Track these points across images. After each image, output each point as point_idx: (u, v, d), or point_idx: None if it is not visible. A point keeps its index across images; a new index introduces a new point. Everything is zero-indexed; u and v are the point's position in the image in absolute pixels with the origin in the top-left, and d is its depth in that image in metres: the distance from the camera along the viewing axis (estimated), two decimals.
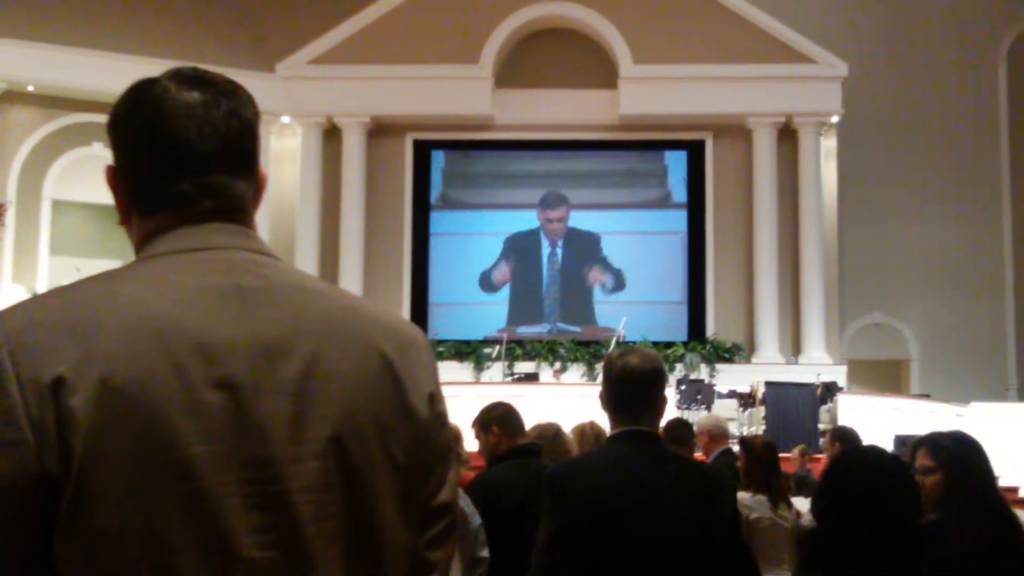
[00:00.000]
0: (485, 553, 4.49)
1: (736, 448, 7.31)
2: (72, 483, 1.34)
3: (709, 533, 3.34)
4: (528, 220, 20.70)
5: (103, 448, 1.35)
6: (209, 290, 1.47)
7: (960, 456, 3.81)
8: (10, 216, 17.84)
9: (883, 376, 20.59)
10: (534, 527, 4.22)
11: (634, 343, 18.29)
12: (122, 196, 1.62)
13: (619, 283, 20.49)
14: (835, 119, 19.98)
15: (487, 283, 20.64)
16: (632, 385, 3.42)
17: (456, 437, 5.78)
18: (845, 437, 7.90)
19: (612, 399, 3.45)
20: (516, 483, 4.76)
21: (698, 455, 7.51)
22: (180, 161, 1.56)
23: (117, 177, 1.62)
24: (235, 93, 1.62)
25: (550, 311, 20.46)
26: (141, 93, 1.59)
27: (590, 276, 20.53)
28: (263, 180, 1.66)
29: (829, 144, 20.27)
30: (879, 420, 14.25)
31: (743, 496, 5.98)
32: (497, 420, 5.12)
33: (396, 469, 1.52)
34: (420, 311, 19.97)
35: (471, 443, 5.71)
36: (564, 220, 20.65)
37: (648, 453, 3.40)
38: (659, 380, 3.49)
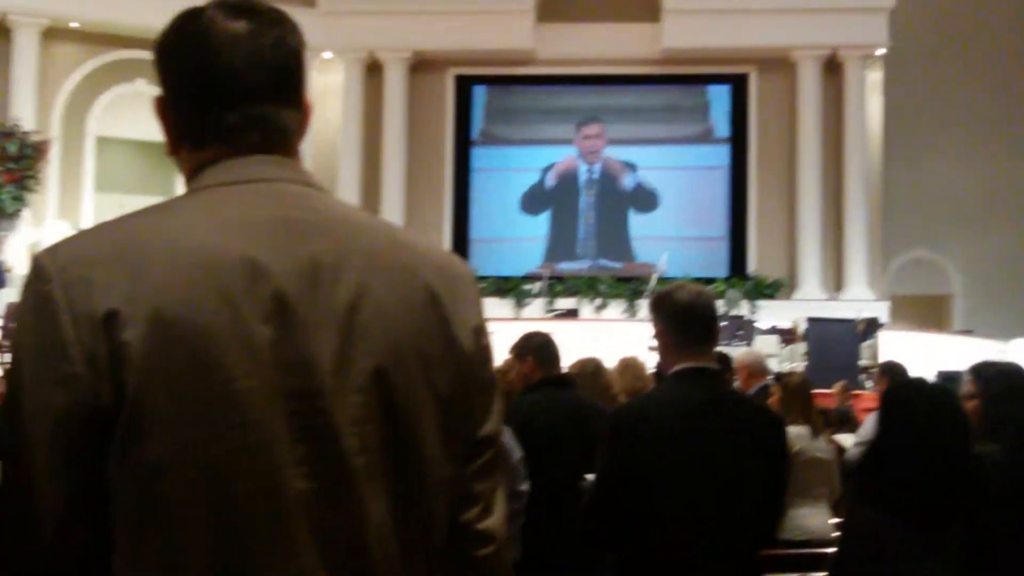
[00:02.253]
0: (525, 487, 4.52)
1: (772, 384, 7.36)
2: (125, 416, 1.37)
3: (764, 474, 3.37)
4: (569, 154, 20.56)
5: (156, 381, 1.37)
6: (257, 222, 1.47)
7: (999, 386, 3.80)
8: (55, 153, 17.88)
9: (925, 312, 20.35)
10: (563, 455, 4.33)
11: (674, 279, 18.17)
12: (170, 127, 1.62)
13: (652, 203, 20.34)
14: (881, 52, 19.64)
15: (527, 203, 20.53)
16: (694, 320, 3.42)
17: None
18: (893, 372, 7.91)
19: (674, 334, 3.44)
20: (547, 412, 4.81)
21: (737, 389, 7.53)
22: (227, 92, 1.56)
23: (165, 108, 1.62)
24: (281, 22, 1.60)
25: (586, 238, 20.38)
26: (187, 23, 1.58)
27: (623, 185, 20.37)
28: (309, 110, 1.66)
29: (875, 77, 19.95)
30: (921, 356, 14.09)
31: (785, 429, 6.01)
32: (534, 350, 5.12)
33: (440, 402, 1.53)
34: (461, 247, 19.93)
35: None
36: (601, 137, 20.48)
37: (711, 392, 3.41)
38: (715, 314, 3.54)
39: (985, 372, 3.91)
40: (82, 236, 1.48)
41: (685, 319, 3.41)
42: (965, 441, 3.34)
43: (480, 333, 1.62)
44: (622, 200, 20.47)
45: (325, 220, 1.52)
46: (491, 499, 1.65)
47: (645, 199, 20.37)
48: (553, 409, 4.83)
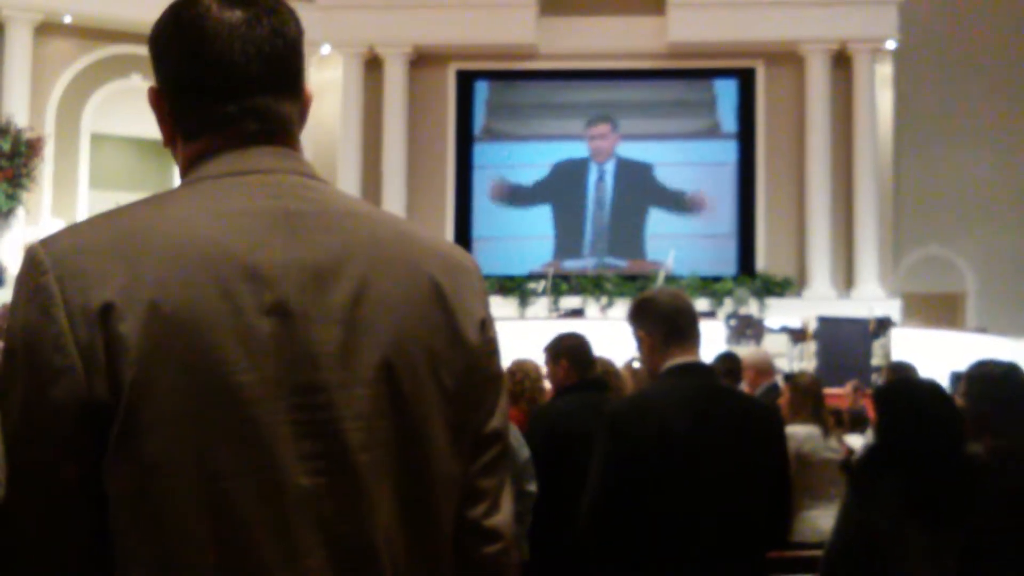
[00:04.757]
0: (532, 487, 4.48)
1: (782, 384, 7.34)
2: (122, 410, 1.35)
3: (765, 467, 3.42)
4: (575, 150, 20.29)
5: (153, 375, 1.35)
6: (257, 214, 1.46)
7: (981, 387, 3.76)
8: (49, 150, 17.65)
9: (938, 310, 20.15)
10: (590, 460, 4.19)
11: (682, 278, 18.05)
12: (166, 118, 1.61)
13: (680, 206, 20.02)
14: (891, 45, 19.35)
15: (517, 195, 20.22)
16: (680, 318, 3.50)
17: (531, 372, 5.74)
18: (899, 371, 7.89)
19: (661, 335, 3.49)
20: (578, 416, 4.74)
21: (744, 389, 7.41)
22: (224, 83, 1.54)
23: (160, 98, 1.61)
24: (277, 10, 1.58)
25: (595, 239, 20.10)
26: (181, 12, 1.56)
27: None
28: (309, 99, 1.65)
29: (885, 71, 19.67)
30: (934, 355, 13.88)
31: (795, 429, 6.01)
32: (567, 352, 5.07)
33: (446, 396, 1.52)
34: (463, 245, 19.42)
35: None
36: (607, 137, 20.16)
37: (706, 386, 3.49)
38: (696, 313, 3.63)
39: (974, 372, 3.87)
40: (78, 227, 1.48)
41: (672, 318, 3.49)
42: (958, 440, 3.34)
43: (486, 326, 1.60)
44: (641, 196, 20.11)
45: (327, 212, 1.51)
46: (498, 496, 1.64)
47: (673, 197, 20.02)
48: (585, 412, 4.71)
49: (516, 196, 20.29)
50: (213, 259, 1.40)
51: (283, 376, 1.40)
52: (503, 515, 1.64)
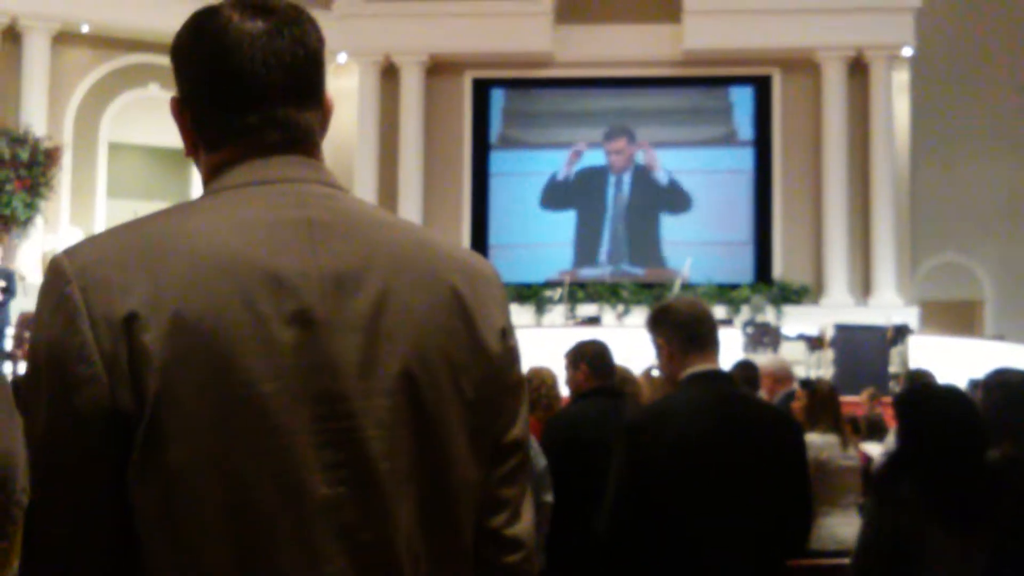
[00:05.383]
0: (549, 498, 4.46)
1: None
2: (145, 419, 1.36)
3: (784, 474, 3.40)
4: (590, 158, 20.26)
5: (176, 384, 1.36)
6: (279, 223, 1.47)
7: (999, 395, 3.77)
8: (67, 159, 17.69)
9: (956, 317, 20.10)
10: (604, 466, 4.24)
11: (698, 286, 18.02)
12: (188, 128, 1.61)
13: (686, 204, 19.99)
14: (908, 52, 19.28)
15: (548, 199, 20.19)
16: (699, 326, 3.49)
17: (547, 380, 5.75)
18: (916, 379, 7.84)
19: (680, 343, 3.49)
20: (593, 422, 4.75)
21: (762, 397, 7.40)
22: (245, 94, 1.55)
23: (182, 109, 1.61)
24: (299, 20, 1.59)
25: (613, 249, 20.07)
26: (203, 23, 1.57)
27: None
28: (330, 108, 1.65)
29: (901, 78, 19.59)
30: (952, 363, 13.83)
31: (813, 438, 5.98)
32: (587, 358, 5.08)
33: (467, 405, 1.52)
34: (480, 253, 19.55)
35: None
36: (623, 152, 20.13)
37: (726, 393, 3.49)
38: (715, 321, 3.63)
39: (992, 379, 3.87)
40: (101, 238, 1.48)
41: (691, 326, 3.49)
42: (978, 445, 3.35)
43: (506, 334, 1.60)
44: (655, 204, 20.06)
45: (349, 221, 1.52)
46: (519, 505, 1.63)
47: (679, 200, 19.99)
48: (601, 419, 4.74)
49: (548, 200, 20.26)
50: (235, 268, 1.41)
51: (305, 385, 1.40)
52: (523, 524, 1.64)
